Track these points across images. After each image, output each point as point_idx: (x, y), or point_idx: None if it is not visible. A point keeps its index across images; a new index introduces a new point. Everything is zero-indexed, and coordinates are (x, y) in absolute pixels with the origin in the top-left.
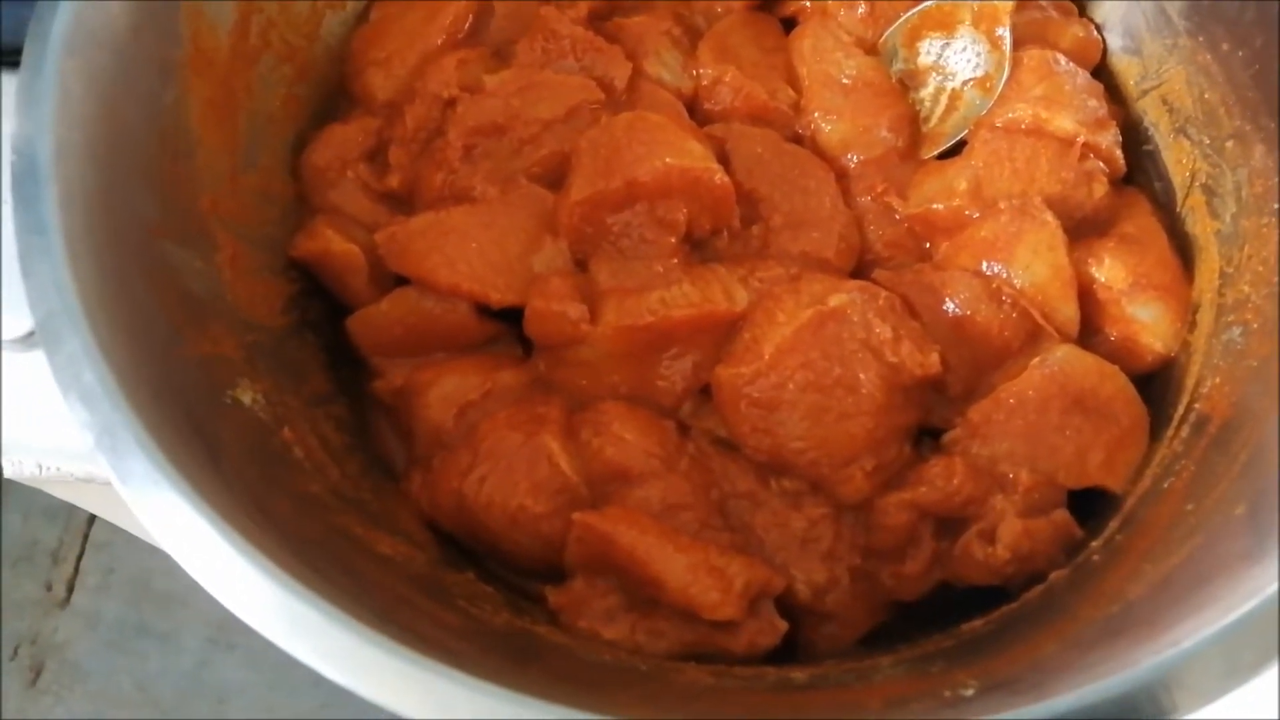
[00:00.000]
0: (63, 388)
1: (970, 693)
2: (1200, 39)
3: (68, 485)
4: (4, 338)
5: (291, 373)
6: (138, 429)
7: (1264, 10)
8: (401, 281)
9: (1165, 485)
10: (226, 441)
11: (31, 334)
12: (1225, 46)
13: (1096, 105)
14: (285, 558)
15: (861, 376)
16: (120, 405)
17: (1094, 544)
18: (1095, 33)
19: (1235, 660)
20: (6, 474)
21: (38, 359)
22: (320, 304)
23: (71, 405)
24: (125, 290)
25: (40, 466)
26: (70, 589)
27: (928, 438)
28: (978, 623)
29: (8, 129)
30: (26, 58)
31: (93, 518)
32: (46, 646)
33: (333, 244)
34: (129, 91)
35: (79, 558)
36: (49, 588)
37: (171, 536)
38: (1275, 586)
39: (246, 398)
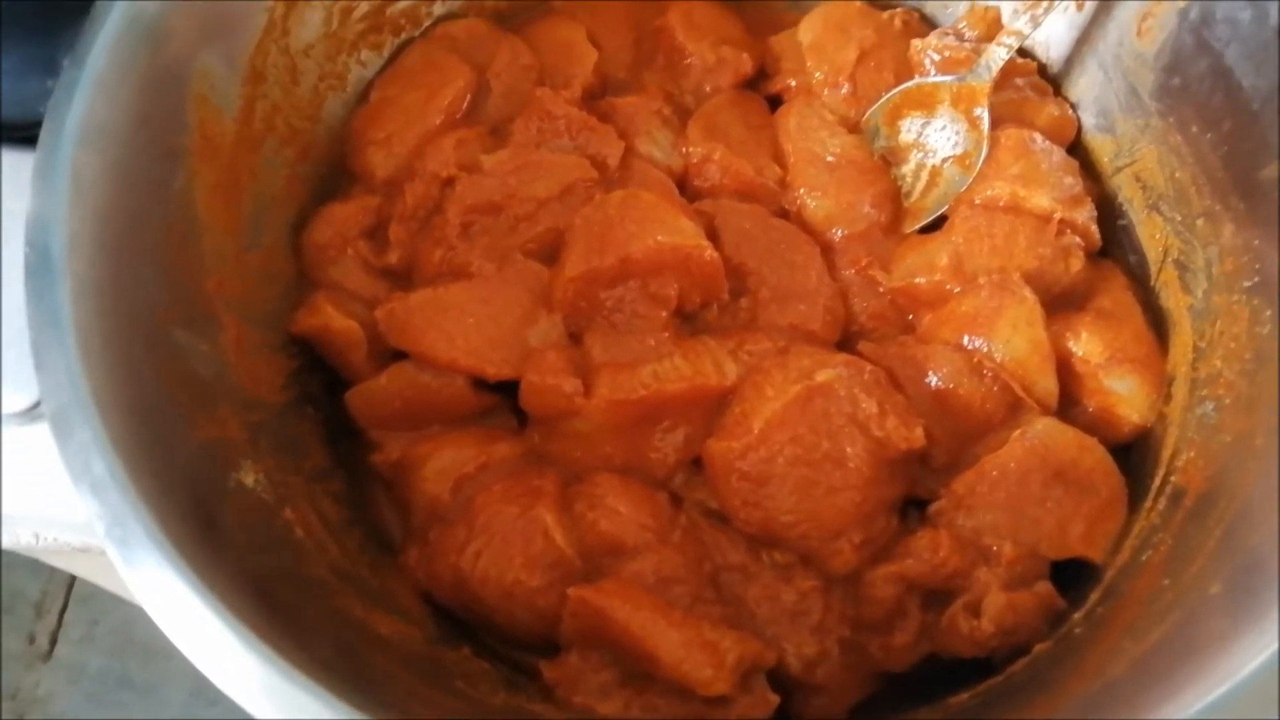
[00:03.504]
0: (74, 478)
1: None
2: (1171, 120)
3: (63, 554)
4: (7, 411)
5: (292, 449)
6: (146, 519)
7: (1231, 95)
8: (399, 356)
9: (1144, 558)
10: (231, 527)
11: (33, 407)
12: (1195, 128)
13: (1072, 182)
14: (289, 648)
15: (849, 450)
16: (129, 495)
17: (1076, 616)
18: (1070, 111)
19: None
20: (5, 545)
21: (37, 431)
22: (320, 378)
23: (82, 495)
24: (134, 378)
25: (37, 536)
26: (53, 642)
27: (913, 508)
28: (964, 696)
29: (9, 208)
30: (41, 150)
31: None
32: (28, 701)
33: (333, 320)
34: (138, 180)
35: (62, 610)
36: (31, 640)
37: (179, 628)
38: (1248, 671)
39: (250, 479)
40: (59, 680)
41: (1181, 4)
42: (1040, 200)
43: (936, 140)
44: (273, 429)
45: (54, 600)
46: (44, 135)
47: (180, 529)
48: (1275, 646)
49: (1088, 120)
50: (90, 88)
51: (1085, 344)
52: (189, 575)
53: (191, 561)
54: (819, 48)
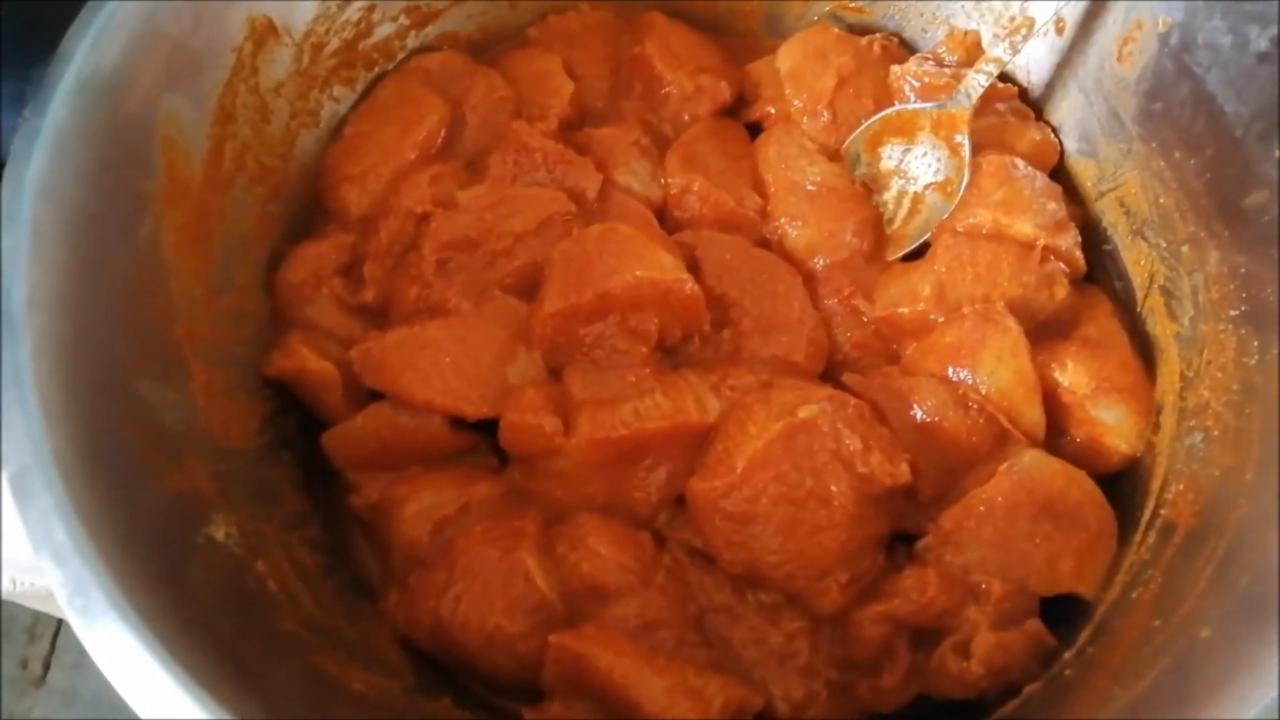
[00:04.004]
0: (35, 545)
1: None
2: (1153, 145)
3: (41, 598)
4: None
5: (266, 497)
6: (109, 586)
7: (1213, 121)
8: (376, 395)
9: (1134, 595)
10: (199, 587)
11: None
12: (1177, 154)
13: (1056, 208)
14: (256, 713)
15: (833, 488)
16: (92, 562)
17: (1066, 655)
18: (1052, 136)
19: None
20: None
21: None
22: (295, 419)
23: (44, 562)
24: (98, 436)
25: (14, 581)
26: (46, 667)
27: (901, 543)
28: None
29: None
30: (2, 206)
31: None
32: None
33: (307, 361)
34: (103, 228)
35: (55, 634)
36: (24, 665)
37: (141, 697)
38: None
39: (220, 533)
40: (53, 706)
41: (1162, 29)
42: (1023, 227)
43: (918, 167)
44: (245, 477)
45: (47, 625)
46: (4, 186)
47: (144, 594)
48: (1270, 697)
49: (1070, 144)
50: (51, 137)
51: (1071, 374)
52: (152, 642)
53: (155, 627)
54: (797, 75)
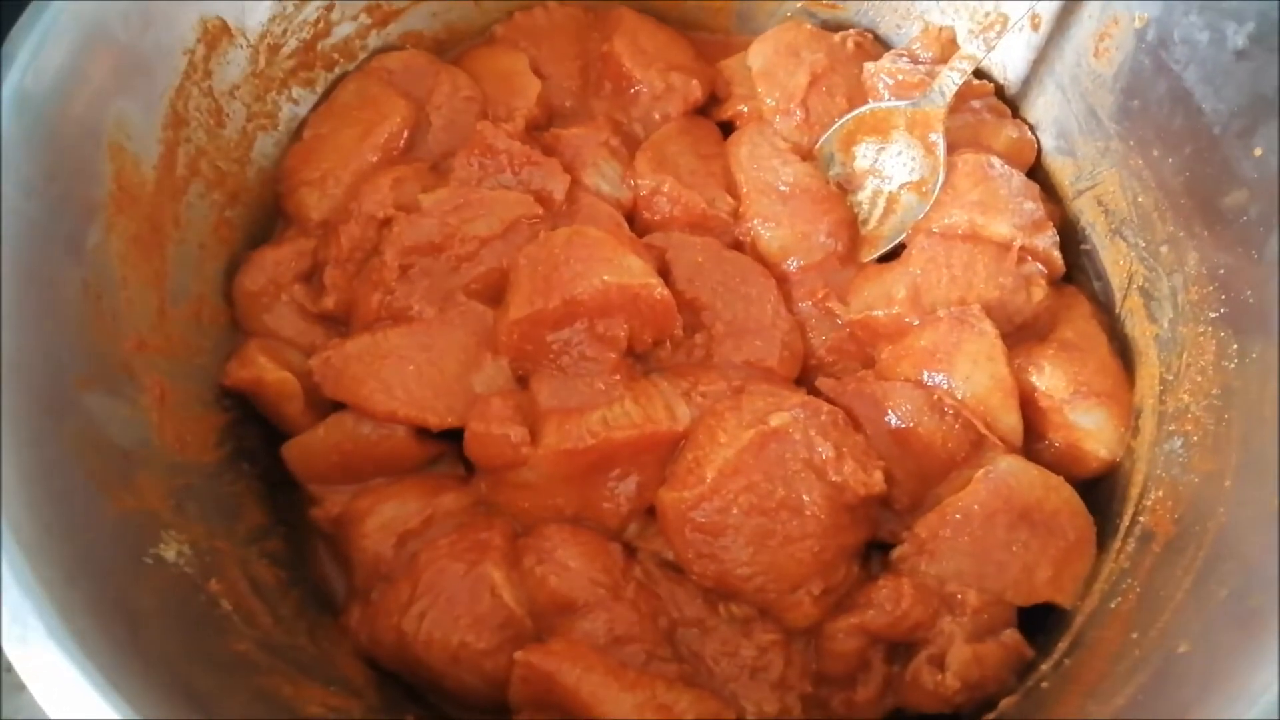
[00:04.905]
0: None
1: None
2: (1131, 143)
3: None
4: None
5: (224, 511)
6: (49, 614)
7: (1191, 118)
8: (339, 405)
9: (1112, 605)
10: (146, 610)
11: None
12: (1156, 152)
13: (1033, 207)
14: None
15: (805, 498)
16: (32, 592)
17: (1043, 667)
18: (1029, 133)
19: None
20: None
21: None
22: (257, 429)
23: None
24: (41, 458)
25: None
26: None
27: (877, 550)
28: None
29: None
30: None
31: None
32: None
33: (266, 372)
34: (48, 242)
35: None
36: (8, 669)
37: None
38: None
39: (170, 553)
40: (38, 710)
41: (1138, 25)
42: (999, 228)
43: (892, 166)
44: (202, 491)
45: None
46: None
47: (87, 620)
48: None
49: (1047, 142)
50: None
51: (1049, 379)
52: (92, 672)
53: (96, 656)
54: (769, 73)
